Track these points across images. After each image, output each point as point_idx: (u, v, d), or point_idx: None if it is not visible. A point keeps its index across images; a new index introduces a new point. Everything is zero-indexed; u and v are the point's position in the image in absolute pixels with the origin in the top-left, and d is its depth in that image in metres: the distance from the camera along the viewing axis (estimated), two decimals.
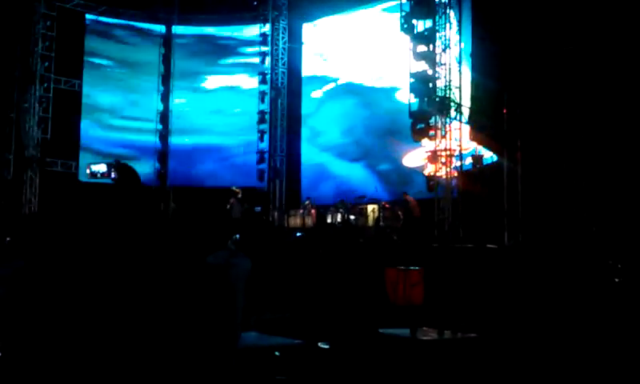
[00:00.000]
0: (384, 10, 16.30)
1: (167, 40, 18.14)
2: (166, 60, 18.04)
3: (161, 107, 17.97)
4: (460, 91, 11.72)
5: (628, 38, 8.15)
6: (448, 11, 11.83)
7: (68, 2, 17.38)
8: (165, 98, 18.08)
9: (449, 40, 11.74)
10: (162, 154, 17.67)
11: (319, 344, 7.52)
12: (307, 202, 13.96)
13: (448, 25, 11.74)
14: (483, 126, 11.03)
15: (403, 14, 11.78)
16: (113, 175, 12.95)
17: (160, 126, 17.87)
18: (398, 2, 11.89)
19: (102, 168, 13.94)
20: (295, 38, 17.91)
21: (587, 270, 7.84)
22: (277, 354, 6.88)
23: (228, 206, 13.14)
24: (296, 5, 17.64)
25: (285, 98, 17.40)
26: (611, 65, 8.33)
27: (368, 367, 7.11)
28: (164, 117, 17.96)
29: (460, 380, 6.37)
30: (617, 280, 7.71)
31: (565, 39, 9.19)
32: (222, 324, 5.65)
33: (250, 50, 18.49)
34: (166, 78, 18.05)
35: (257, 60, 17.85)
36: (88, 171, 14.58)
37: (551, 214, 9.09)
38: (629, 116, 8.28)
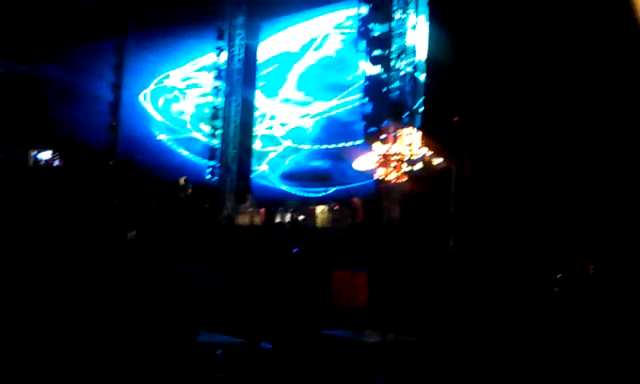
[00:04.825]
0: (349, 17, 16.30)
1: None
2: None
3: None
4: (413, 96, 11.83)
5: (579, 49, 8.34)
6: (404, 16, 11.94)
7: None
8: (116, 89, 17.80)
9: (404, 45, 11.85)
10: (112, 144, 17.38)
11: (262, 344, 7.48)
12: (248, 201, 13.90)
13: (405, 30, 11.86)
14: (434, 131, 11.14)
15: (360, 17, 11.86)
16: (56, 162, 12.61)
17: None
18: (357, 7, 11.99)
19: (46, 155, 13.56)
20: (253, 35, 17.78)
21: (527, 279, 7.99)
22: (219, 352, 6.81)
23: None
24: (258, 1, 17.51)
25: (239, 94, 17.27)
26: (561, 74, 8.50)
27: (310, 368, 7.10)
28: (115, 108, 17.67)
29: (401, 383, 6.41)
30: (556, 290, 7.88)
31: (519, 50, 9.35)
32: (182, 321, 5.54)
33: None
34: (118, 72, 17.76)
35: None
36: (31, 158, 14.18)
37: (496, 220, 9.23)
38: (576, 126, 8.47)
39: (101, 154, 17.49)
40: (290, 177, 16.62)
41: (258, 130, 17.70)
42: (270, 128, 17.44)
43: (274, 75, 17.67)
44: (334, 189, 15.09)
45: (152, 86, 19.10)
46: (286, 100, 17.21)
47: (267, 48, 17.95)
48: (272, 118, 17.46)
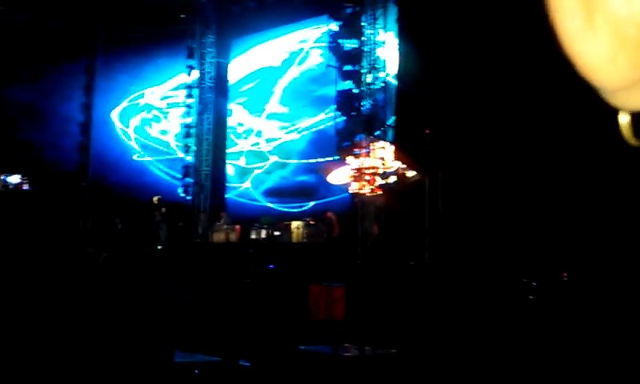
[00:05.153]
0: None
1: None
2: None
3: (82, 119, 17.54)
4: (385, 110, 11.93)
5: (547, 63, 8.49)
6: (374, 32, 12.07)
7: None
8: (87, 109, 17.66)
9: (375, 60, 11.96)
10: (82, 165, 17.20)
11: (240, 362, 7.43)
12: (222, 218, 13.84)
13: (375, 45, 11.98)
14: (406, 145, 11.23)
15: (331, 33, 11.96)
16: (26, 186, 12.43)
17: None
18: (327, 24, 12.09)
19: (15, 179, 13.35)
20: (224, 53, 17.80)
21: (503, 288, 8.05)
22: (196, 371, 6.75)
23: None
24: (227, 20, 17.54)
25: (211, 112, 17.24)
26: (529, 88, 8.64)
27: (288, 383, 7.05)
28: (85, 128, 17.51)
29: None
30: (531, 298, 7.95)
31: (487, 63, 9.48)
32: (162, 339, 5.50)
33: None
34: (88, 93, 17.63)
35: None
36: (0, 182, 13.95)
37: (470, 232, 9.31)
38: (546, 138, 8.60)
39: (72, 175, 17.29)
40: (274, 193, 16.48)
41: (244, 146, 17.55)
42: (257, 144, 17.29)
43: (256, 91, 17.59)
44: (312, 203, 15.07)
45: (124, 105, 18.97)
46: (272, 115, 17.11)
47: (244, 64, 17.91)
48: (258, 134, 17.33)
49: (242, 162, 17.63)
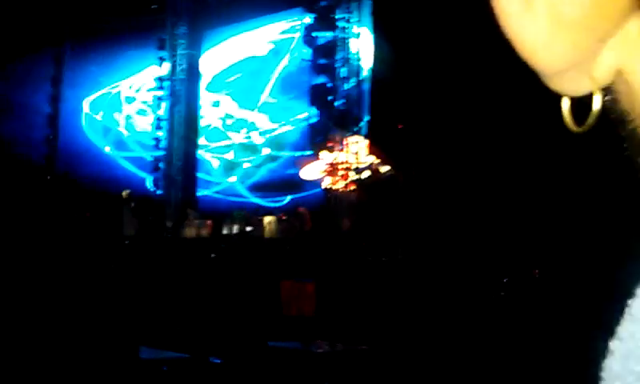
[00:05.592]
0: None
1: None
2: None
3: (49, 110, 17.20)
4: (359, 105, 11.88)
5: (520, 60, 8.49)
6: (348, 26, 12.00)
7: None
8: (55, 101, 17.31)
9: (349, 53, 11.89)
10: (49, 158, 16.87)
11: (210, 358, 7.33)
12: (190, 214, 13.67)
13: (350, 37, 11.91)
14: (380, 140, 11.19)
15: (304, 26, 11.86)
16: None
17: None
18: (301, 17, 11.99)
19: None
20: (195, 45, 17.56)
21: (475, 285, 8.06)
22: (165, 368, 6.64)
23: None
24: (199, 11, 17.31)
25: (183, 105, 17.00)
26: (503, 83, 8.64)
27: (259, 380, 6.99)
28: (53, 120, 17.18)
29: None
30: (502, 294, 7.97)
31: (461, 59, 9.47)
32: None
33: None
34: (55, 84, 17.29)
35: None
36: None
37: (444, 229, 9.30)
38: (521, 132, 8.62)
39: (38, 168, 16.92)
40: (261, 187, 16.05)
41: (235, 138, 17.08)
42: (248, 137, 16.85)
43: (245, 81, 17.04)
44: (289, 197, 14.86)
45: (94, 97, 18.61)
46: (265, 106, 16.58)
47: (222, 54, 17.47)
48: (250, 126, 16.85)
49: (230, 155, 17.16)
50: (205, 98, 17.61)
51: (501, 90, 8.74)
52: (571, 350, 6.33)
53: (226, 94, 17.41)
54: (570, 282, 7.36)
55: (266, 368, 6.97)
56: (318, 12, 12.06)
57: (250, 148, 16.69)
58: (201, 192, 17.17)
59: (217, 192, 17.08)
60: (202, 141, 17.45)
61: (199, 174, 17.27)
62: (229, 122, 17.33)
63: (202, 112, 17.43)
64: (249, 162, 16.67)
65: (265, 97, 16.57)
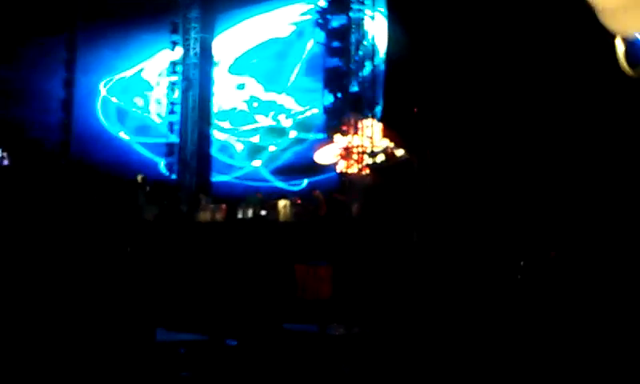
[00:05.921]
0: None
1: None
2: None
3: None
4: (373, 87, 11.84)
5: (536, 42, 8.43)
6: (362, 9, 11.94)
7: None
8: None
9: (363, 36, 11.84)
10: (64, 142, 16.97)
11: (226, 340, 7.38)
12: (202, 200, 13.70)
13: (364, 20, 11.86)
14: (395, 123, 11.16)
15: (318, 9, 11.82)
16: (5, 162, 12.19)
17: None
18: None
19: None
20: (208, 28, 17.53)
21: (491, 267, 8.04)
22: (182, 350, 6.70)
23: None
24: None
25: (197, 89, 17.00)
26: (518, 66, 8.59)
27: (276, 362, 7.03)
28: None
29: (367, 375, 6.38)
30: (519, 277, 7.95)
31: (476, 42, 9.40)
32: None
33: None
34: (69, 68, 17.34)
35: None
36: None
37: (459, 210, 9.28)
38: (533, 115, 8.57)
39: (53, 152, 17.02)
40: (285, 170, 15.89)
41: (262, 122, 16.82)
42: (275, 120, 16.55)
43: (269, 64, 16.75)
44: (307, 181, 14.78)
45: (107, 80, 18.64)
46: (292, 88, 16.25)
47: (238, 37, 17.25)
48: (278, 108, 16.53)
49: (255, 139, 16.92)
50: (228, 81, 17.45)
51: (515, 72, 8.68)
52: (588, 332, 6.32)
53: (250, 76, 17.12)
54: (587, 265, 7.33)
55: (282, 350, 7.01)
56: None
57: (278, 131, 16.47)
58: (220, 177, 17.22)
59: (239, 177, 16.91)
60: (225, 124, 17.37)
61: (223, 158, 17.21)
62: (255, 104, 17.04)
63: (225, 95, 17.39)
64: (275, 145, 16.52)
65: (292, 79, 16.27)
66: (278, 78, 16.67)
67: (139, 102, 18.49)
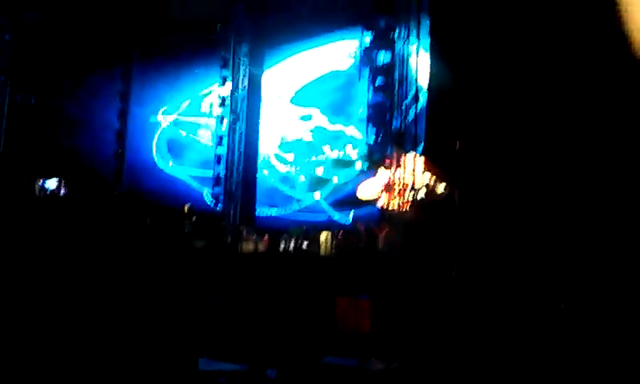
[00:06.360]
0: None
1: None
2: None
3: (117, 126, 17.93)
4: (416, 123, 11.92)
5: (579, 75, 8.41)
6: (407, 45, 12.08)
7: None
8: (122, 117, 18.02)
9: (407, 71, 11.97)
10: (118, 171, 17.55)
11: (266, 371, 7.48)
12: (243, 232, 13.91)
13: (409, 56, 11.98)
14: (437, 158, 11.20)
15: (363, 47, 12.02)
16: (63, 191, 12.71)
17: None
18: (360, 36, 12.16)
19: (52, 184, 13.67)
20: (257, 63, 17.99)
21: (531, 306, 7.97)
22: (222, 379, 6.83)
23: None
24: (261, 31, 17.73)
25: (243, 122, 17.40)
26: (563, 101, 8.57)
27: None
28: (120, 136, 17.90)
29: None
30: (559, 317, 7.85)
31: (520, 77, 9.43)
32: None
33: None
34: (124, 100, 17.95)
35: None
36: (38, 187, 14.29)
37: (500, 247, 9.24)
38: (578, 149, 8.50)
39: (107, 182, 17.61)
40: (343, 202, 15.99)
41: (329, 154, 17.01)
42: (343, 151, 16.69)
43: (332, 96, 17.06)
44: (352, 212, 14.77)
45: (161, 113, 19.24)
46: (358, 119, 16.26)
47: (293, 71, 17.68)
48: (348, 139, 16.71)
49: (319, 170, 17.05)
50: (291, 112, 17.83)
51: (558, 109, 8.65)
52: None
53: (315, 108, 17.32)
54: (625, 303, 7.20)
55: (321, 383, 7.07)
56: (376, 31, 12.21)
57: (344, 162, 16.57)
58: (264, 210, 17.44)
59: (300, 210, 17.03)
60: (289, 156, 17.66)
61: (283, 188, 17.49)
62: (320, 136, 17.20)
63: (288, 126, 17.66)
64: (339, 176, 16.61)
65: (361, 110, 16.00)
66: (343, 110, 16.87)
67: (190, 134, 19.03)
